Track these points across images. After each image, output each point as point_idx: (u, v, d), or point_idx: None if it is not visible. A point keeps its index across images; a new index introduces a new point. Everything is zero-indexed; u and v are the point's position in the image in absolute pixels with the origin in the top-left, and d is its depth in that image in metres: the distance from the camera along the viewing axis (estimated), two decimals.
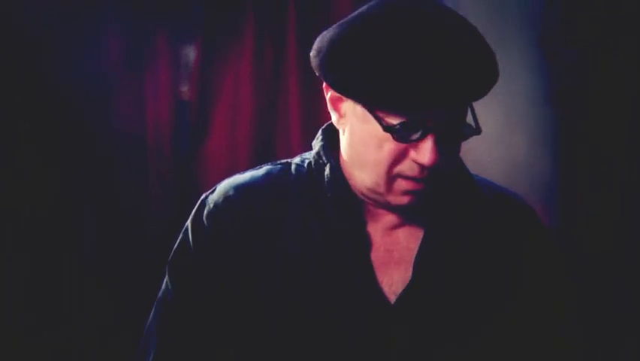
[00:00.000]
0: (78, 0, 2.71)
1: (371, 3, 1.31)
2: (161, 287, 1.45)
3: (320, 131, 1.43)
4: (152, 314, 1.45)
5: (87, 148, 2.77)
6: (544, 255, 1.45)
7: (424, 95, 1.21)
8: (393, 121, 1.25)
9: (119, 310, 2.74)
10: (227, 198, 1.40)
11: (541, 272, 1.43)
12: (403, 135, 1.26)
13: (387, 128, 1.26)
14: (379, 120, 1.26)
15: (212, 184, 1.51)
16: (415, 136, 1.26)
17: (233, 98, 2.86)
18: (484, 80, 1.26)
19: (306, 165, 1.42)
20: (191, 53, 2.87)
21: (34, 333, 2.70)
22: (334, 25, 1.31)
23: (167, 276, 1.44)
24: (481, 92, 1.26)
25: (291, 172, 1.42)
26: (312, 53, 1.31)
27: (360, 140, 1.31)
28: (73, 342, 2.72)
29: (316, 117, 2.78)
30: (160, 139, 2.85)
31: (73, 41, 2.71)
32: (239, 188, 1.41)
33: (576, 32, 2.78)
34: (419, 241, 1.38)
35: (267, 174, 1.43)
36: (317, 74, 1.31)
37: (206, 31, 2.86)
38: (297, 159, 1.45)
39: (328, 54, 1.28)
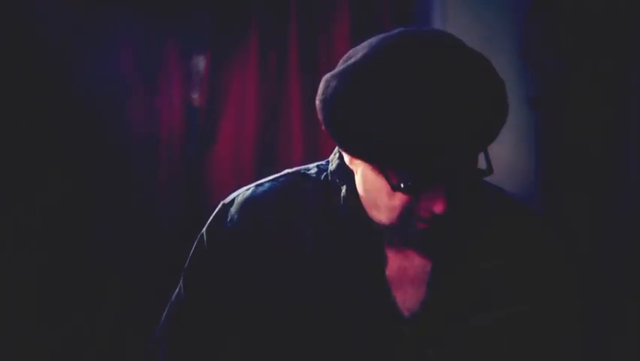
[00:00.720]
0: (95, 15, 2.77)
1: (374, 45, 1.24)
2: (174, 291, 1.46)
3: (337, 147, 1.39)
4: (163, 316, 1.45)
5: (103, 150, 2.83)
6: (545, 254, 1.43)
7: (420, 157, 1.17)
8: (401, 179, 1.22)
9: (126, 309, 2.79)
10: (243, 211, 1.40)
11: (543, 272, 1.41)
12: (412, 190, 1.23)
13: (395, 187, 1.23)
14: (387, 178, 1.23)
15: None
16: (425, 188, 1.23)
17: (239, 103, 2.90)
18: (481, 135, 1.20)
19: (322, 177, 1.40)
20: (200, 63, 2.93)
21: (40, 332, 2.72)
22: (338, 71, 1.25)
23: (181, 281, 1.44)
24: (480, 147, 1.22)
25: (307, 183, 1.41)
26: (317, 103, 1.27)
27: (373, 187, 1.27)
28: (77, 342, 2.76)
29: (316, 120, 2.89)
30: (171, 143, 2.89)
31: (93, 52, 2.76)
32: (255, 200, 1.40)
33: (555, 41, 2.81)
34: (433, 258, 1.37)
35: (283, 184, 1.42)
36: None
37: (214, 41, 2.92)
38: (313, 169, 1.43)
39: (329, 110, 1.23)
